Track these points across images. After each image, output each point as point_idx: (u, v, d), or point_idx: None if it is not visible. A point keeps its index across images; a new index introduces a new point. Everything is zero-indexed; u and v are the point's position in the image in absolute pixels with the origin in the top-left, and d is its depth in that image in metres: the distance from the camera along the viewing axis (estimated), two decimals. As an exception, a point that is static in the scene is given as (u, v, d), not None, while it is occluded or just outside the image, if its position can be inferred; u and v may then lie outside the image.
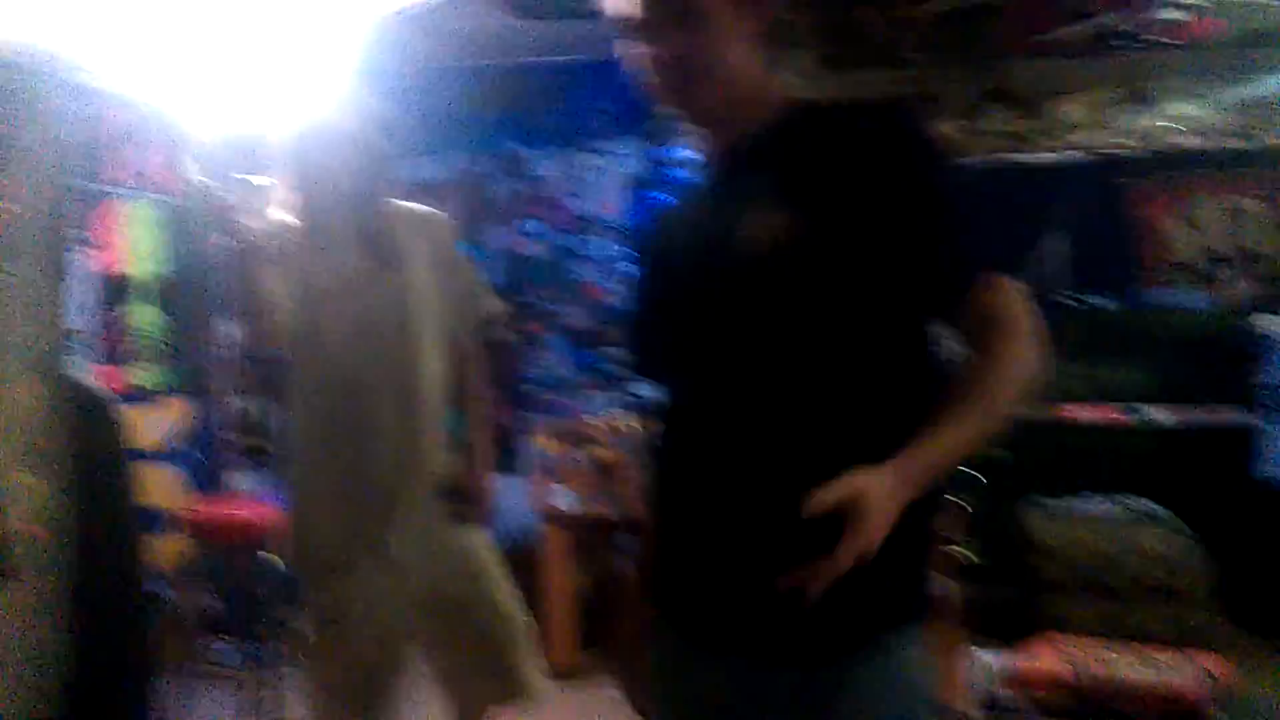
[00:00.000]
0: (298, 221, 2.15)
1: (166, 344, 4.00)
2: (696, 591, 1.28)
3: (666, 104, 1.29)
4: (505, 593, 2.29)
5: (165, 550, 3.71)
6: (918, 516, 1.17)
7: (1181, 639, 2.90)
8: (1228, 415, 4.29)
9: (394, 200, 2.27)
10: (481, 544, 2.30)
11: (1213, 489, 4.07)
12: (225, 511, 2.96)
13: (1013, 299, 1.19)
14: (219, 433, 4.22)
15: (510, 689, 2.25)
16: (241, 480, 4.36)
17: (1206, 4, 3.78)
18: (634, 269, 1.48)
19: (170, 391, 4.02)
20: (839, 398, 1.19)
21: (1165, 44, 4.94)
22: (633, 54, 1.28)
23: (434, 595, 2.17)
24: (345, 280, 2.13)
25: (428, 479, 2.19)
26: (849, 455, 1.12)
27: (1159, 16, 4.12)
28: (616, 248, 5.10)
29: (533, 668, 2.29)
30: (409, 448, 2.15)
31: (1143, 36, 4.79)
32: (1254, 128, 5.39)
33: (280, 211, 2.17)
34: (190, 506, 3.03)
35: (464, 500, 2.26)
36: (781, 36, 4.82)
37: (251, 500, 3.16)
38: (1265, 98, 5.29)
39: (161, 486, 3.91)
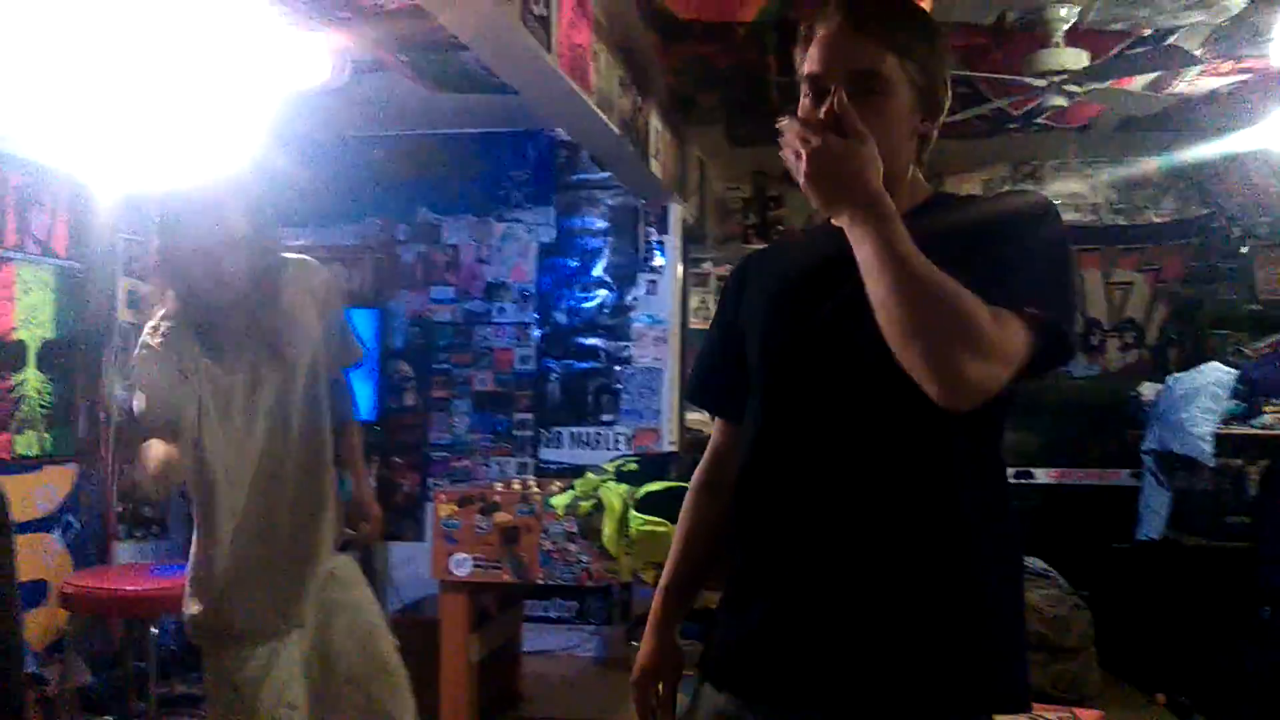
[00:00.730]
0: (181, 311, 2.15)
1: (53, 410, 3.89)
2: (768, 646, 1.30)
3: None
4: (389, 646, 2.35)
5: (42, 624, 3.56)
6: (1005, 599, 1.27)
7: (1064, 692, 2.99)
8: (1111, 478, 4.47)
9: (278, 256, 2.28)
10: (367, 599, 2.36)
11: (1095, 548, 4.22)
12: (107, 584, 2.86)
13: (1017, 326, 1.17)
14: (104, 502, 4.09)
15: None
16: (128, 550, 4.23)
17: (1083, 93, 4.00)
18: (726, 300, 1.53)
19: (55, 459, 3.89)
20: (931, 469, 1.24)
21: (1052, 127, 5.21)
22: (800, 117, 1.27)
23: (326, 651, 2.24)
24: (243, 369, 2.18)
25: (331, 541, 2.28)
26: (934, 522, 1.23)
27: (1046, 103, 4.34)
28: (526, 314, 5.14)
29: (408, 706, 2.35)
30: (318, 513, 2.24)
31: (1032, 120, 5.04)
32: (1135, 205, 5.70)
33: (166, 312, 2.16)
34: (71, 579, 2.92)
35: (361, 520, 2.39)
36: (693, 114, 4.99)
37: (136, 572, 3.06)
38: (1142, 177, 5.61)
39: (42, 557, 3.77)
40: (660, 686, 1.51)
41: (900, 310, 1.14)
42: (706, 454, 1.55)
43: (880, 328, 1.16)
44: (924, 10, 1.39)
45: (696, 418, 5.78)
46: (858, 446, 1.26)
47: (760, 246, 6.02)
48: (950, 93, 1.36)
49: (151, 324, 2.17)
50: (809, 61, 1.31)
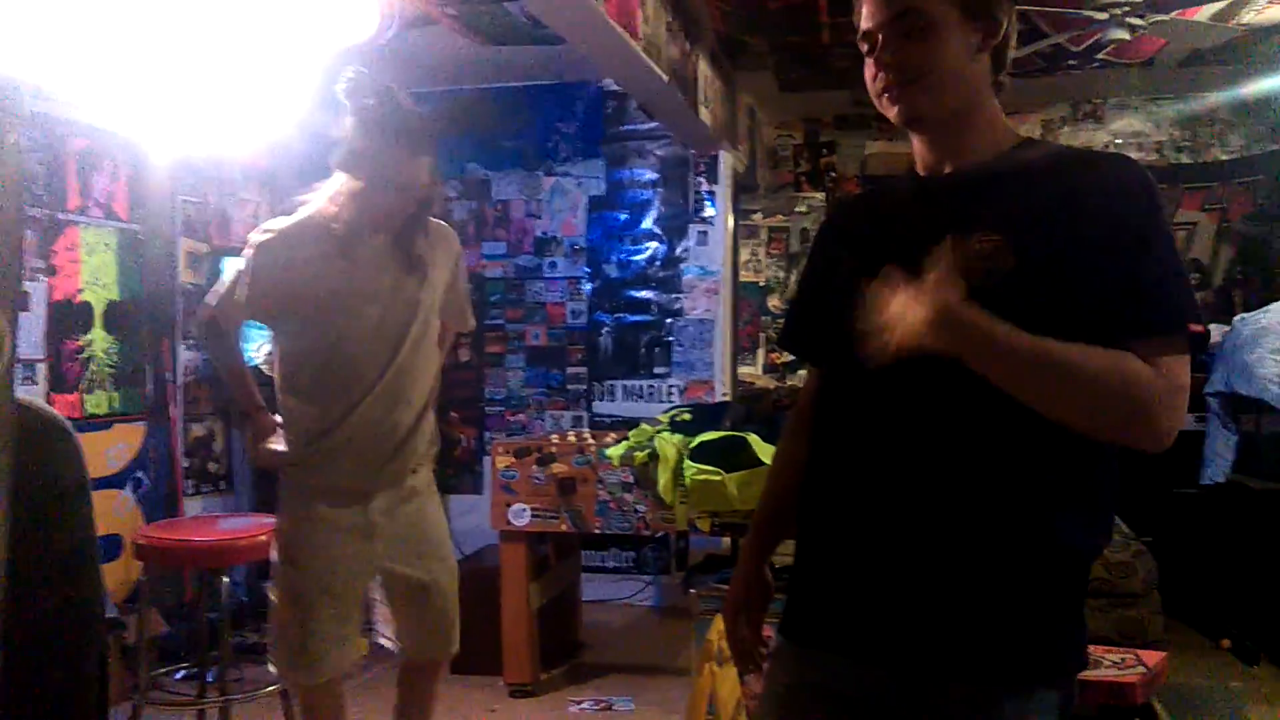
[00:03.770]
0: (349, 215, 2.30)
1: (120, 370, 3.99)
2: (838, 601, 1.33)
3: (897, 112, 1.32)
4: (451, 565, 2.51)
5: (118, 577, 3.69)
6: (1070, 570, 1.27)
7: (1126, 636, 2.97)
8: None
9: (440, 194, 2.56)
10: (440, 522, 2.52)
11: (1159, 494, 4.15)
12: (178, 535, 2.94)
13: (1161, 358, 1.17)
14: (172, 458, 4.21)
15: (444, 647, 2.50)
16: (196, 505, 4.35)
17: (1146, 25, 3.87)
18: (817, 246, 1.57)
19: (124, 418, 4.00)
20: (1018, 426, 1.22)
21: (1113, 63, 5.05)
22: (871, 71, 1.33)
23: (396, 552, 2.38)
24: (379, 279, 2.32)
25: (422, 455, 2.44)
26: (1018, 481, 1.23)
27: (1106, 37, 4.21)
28: (577, 268, 5.15)
29: (456, 632, 2.53)
30: (416, 430, 2.39)
31: (1093, 57, 4.90)
32: (1199, 142, 5.52)
33: (333, 202, 2.32)
34: (143, 531, 3.02)
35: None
36: (743, 59, 4.91)
37: (205, 523, 3.16)
38: (1208, 113, 5.43)
39: (115, 512, 3.90)
40: (749, 617, 1.54)
41: (1057, 406, 1.18)
42: (800, 397, 1.57)
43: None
44: None
45: (748, 370, 5.76)
46: (935, 410, 1.26)
47: (812, 194, 5.97)
48: (1010, 18, 1.33)
49: (287, 219, 2.34)
50: (861, 18, 1.33)
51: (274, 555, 2.38)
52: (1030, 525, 1.24)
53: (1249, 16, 4.34)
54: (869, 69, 1.33)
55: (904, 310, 1.17)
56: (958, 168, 1.33)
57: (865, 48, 1.34)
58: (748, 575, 1.55)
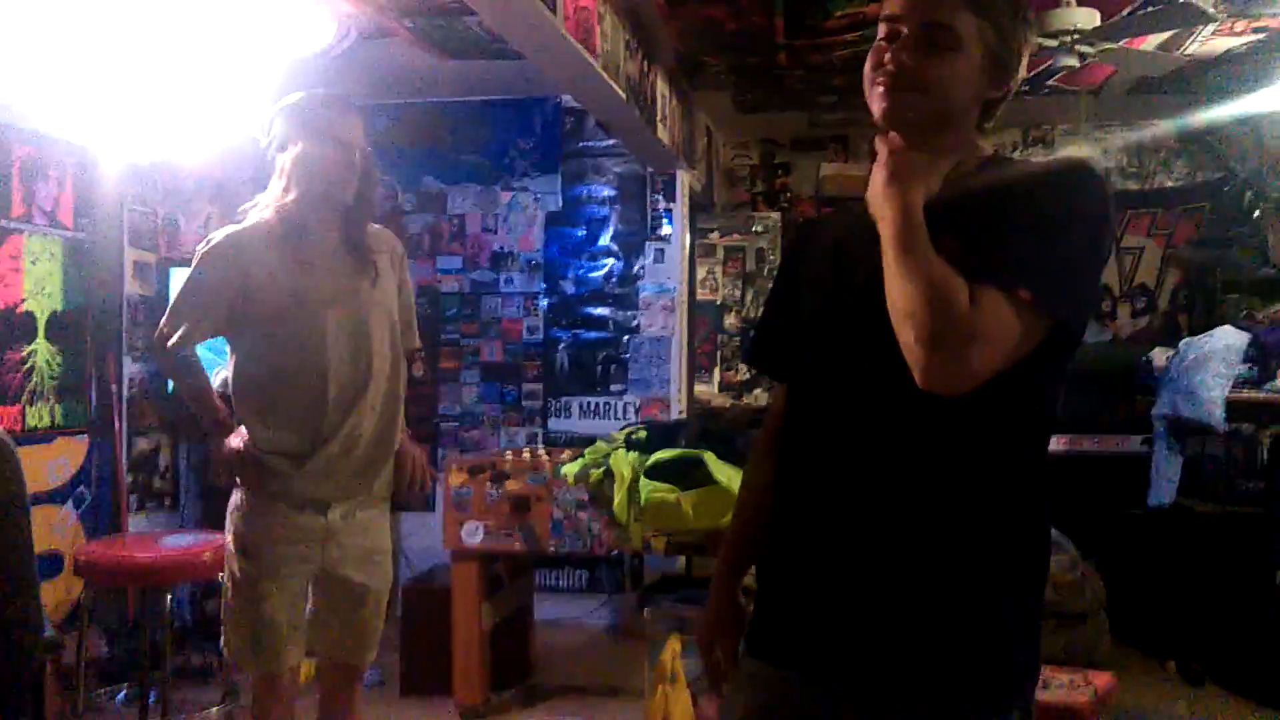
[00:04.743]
0: (292, 220, 2.29)
1: (63, 382, 3.89)
2: (807, 618, 1.33)
3: (883, 109, 1.31)
4: (387, 572, 2.48)
5: (58, 595, 3.59)
6: (1026, 591, 1.28)
7: (1074, 657, 3.00)
8: (1122, 444, 4.45)
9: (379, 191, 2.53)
10: (386, 528, 2.50)
11: (1106, 515, 4.22)
12: (121, 553, 2.87)
13: (989, 305, 1.16)
14: (117, 472, 4.11)
15: (365, 652, 2.46)
16: (140, 522, 4.25)
17: (1095, 54, 3.95)
18: (783, 265, 1.58)
19: (67, 431, 3.90)
20: (972, 449, 1.24)
21: (1063, 90, 5.15)
22: (876, 57, 1.32)
23: (345, 556, 2.37)
24: (335, 281, 2.31)
25: (383, 462, 2.43)
26: (973, 501, 1.24)
27: (1056, 64, 4.28)
28: (533, 283, 5.12)
29: (377, 640, 2.49)
30: (382, 446, 2.40)
31: (1044, 83, 4.99)
32: (1145, 169, 5.65)
33: (275, 208, 2.31)
34: (85, 549, 2.94)
35: (410, 474, 2.52)
36: (700, 80, 4.94)
37: (148, 541, 3.08)
38: (1154, 141, 5.55)
39: (56, 529, 3.79)
40: (723, 642, 1.53)
41: (891, 292, 1.19)
42: (768, 416, 1.57)
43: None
44: None
45: (705, 389, 5.77)
46: (893, 432, 1.26)
47: (768, 214, 6.00)
48: (1023, 63, 1.35)
49: (231, 227, 2.32)
50: (888, 2, 1.33)
51: (226, 544, 2.36)
52: (985, 545, 1.25)
53: (1194, 47, 4.45)
54: (876, 54, 1.32)
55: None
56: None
57: (884, 31, 1.32)
58: (721, 599, 1.55)
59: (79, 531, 3.90)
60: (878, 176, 1.25)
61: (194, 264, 2.33)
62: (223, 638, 2.37)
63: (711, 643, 1.54)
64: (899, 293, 1.17)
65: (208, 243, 2.34)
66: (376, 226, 2.49)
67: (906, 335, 1.16)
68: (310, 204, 2.30)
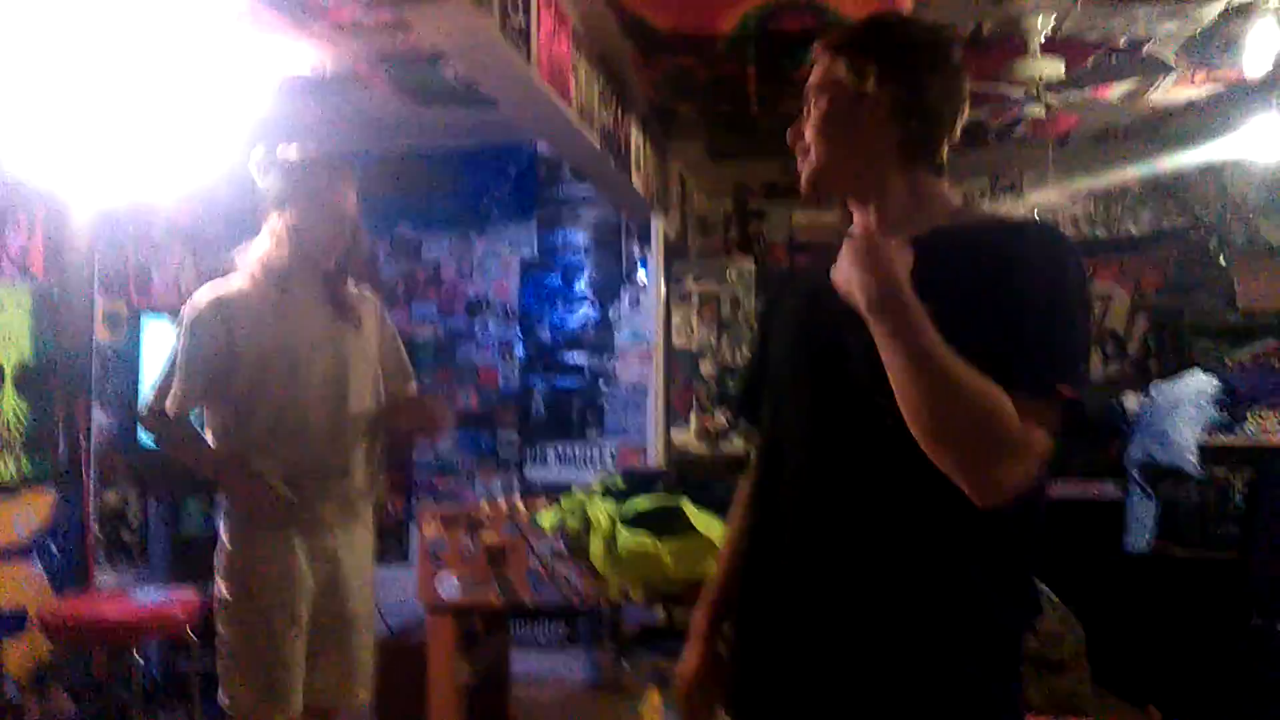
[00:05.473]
0: (283, 254, 2.35)
1: (30, 434, 3.82)
2: (781, 679, 1.32)
3: (803, 183, 1.38)
4: (370, 609, 2.54)
5: (22, 653, 3.49)
6: (1004, 637, 1.26)
7: (1056, 706, 2.97)
8: (1098, 490, 4.47)
9: (368, 249, 2.60)
10: (369, 565, 2.54)
11: (1084, 560, 4.22)
12: (89, 609, 2.80)
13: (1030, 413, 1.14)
14: (86, 526, 4.02)
15: (347, 694, 2.44)
16: (109, 577, 4.16)
17: (1060, 104, 4.03)
18: (761, 318, 1.62)
19: (33, 484, 3.82)
20: (948, 504, 1.19)
21: (1030, 139, 5.24)
22: (799, 144, 1.39)
23: (330, 586, 2.39)
24: (318, 331, 2.37)
25: (362, 489, 2.47)
26: (949, 557, 1.22)
27: (1023, 113, 4.36)
28: (508, 331, 5.11)
29: (367, 675, 2.49)
30: (348, 457, 2.42)
31: (1010, 132, 5.07)
32: (1112, 217, 5.73)
33: (263, 265, 2.36)
34: (50, 605, 2.86)
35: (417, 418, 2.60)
36: (674, 127, 4.98)
37: (117, 598, 3.01)
38: (1121, 189, 5.65)
39: (20, 585, 3.70)
40: (704, 696, 1.51)
41: (923, 413, 1.14)
42: (751, 464, 1.56)
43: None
44: (925, 29, 1.41)
45: (682, 436, 5.75)
46: (854, 483, 1.26)
47: (743, 261, 6.03)
48: (958, 108, 1.37)
49: (221, 283, 2.36)
50: None
51: (221, 591, 2.32)
52: (963, 601, 1.24)
53: (1157, 96, 4.55)
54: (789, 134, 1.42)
55: (860, 264, 1.20)
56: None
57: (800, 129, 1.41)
58: (701, 652, 1.53)
59: (45, 587, 3.80)
60: (854, 277, 1.20)
61: (183, 331, 2.34)
62: (224, 693, 2.30)
63: (690, 695, 1.52)
64: (934, 411, 1.14)
65: (194, 309, 2.36)
66: (361, 291, 2.56)
67: (954, 456, 1.14)
68: (297, 265, 2.36)
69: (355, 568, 2.44)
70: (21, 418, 3.79)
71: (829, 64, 1.36)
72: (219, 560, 2.36)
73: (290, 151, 2.40)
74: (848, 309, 1.24)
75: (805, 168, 1.38)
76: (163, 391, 2.34)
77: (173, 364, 2.34)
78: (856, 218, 1.41)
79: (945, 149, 1.38)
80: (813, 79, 1.38)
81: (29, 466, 3.81)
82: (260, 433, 2.34)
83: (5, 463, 3.70)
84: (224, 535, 2.36)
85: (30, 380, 3.83)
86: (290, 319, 2.34)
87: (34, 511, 3.82)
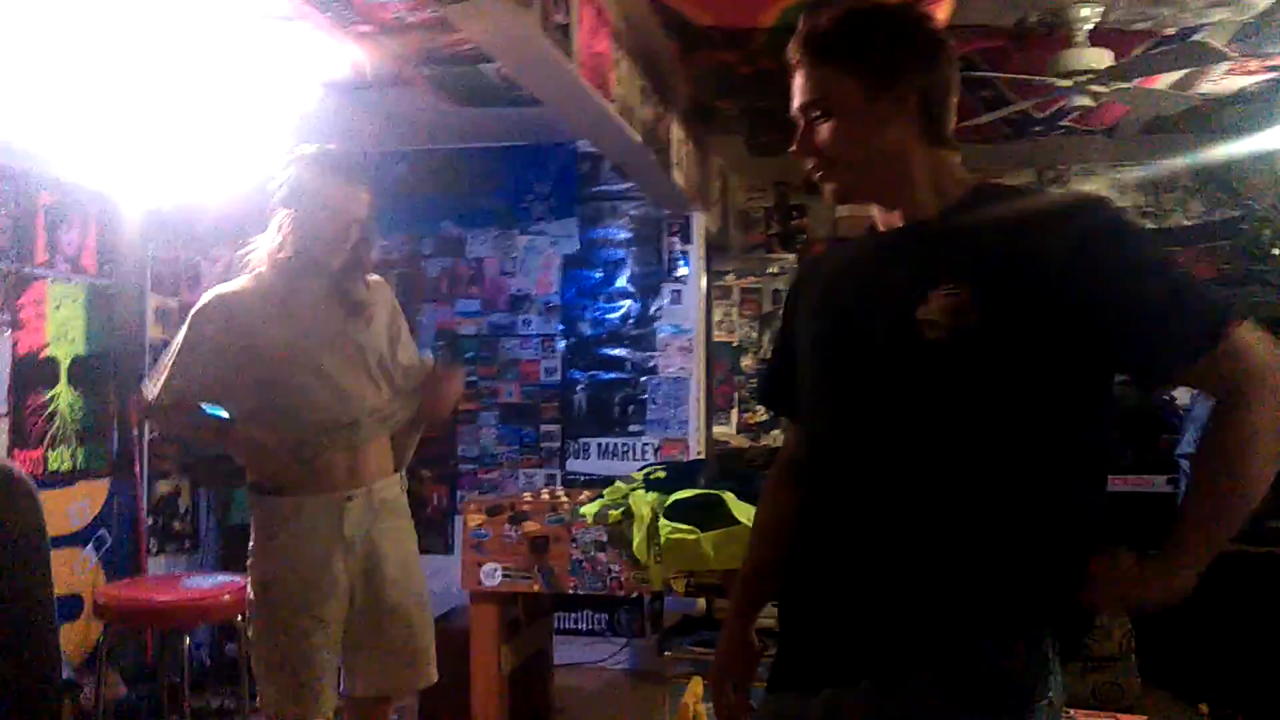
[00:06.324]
0: (284, 276, 2.35)
1: (85, 426, 3.92)
2: (829, 639, 1.32)
3: (826, 193, 1.36)
4: (423, 591, 2.52)
5: (77, 638, 3.58)
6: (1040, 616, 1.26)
7: (1104, 701, 2.94)
8: (1146, 484, 4.41)
9: (374, 248, 2.53)
10: (409, 529, 2.53)
11: (1133, 554, 4.16)
12: (141, 595, 2.87)
13: (1240, 359, 1.17)
14: (138, 515, 4.12)
15: (414, 679, 2.45)
16: (160, 564, 4.25)
17: (1109, 93, 3.97)
18: (785, 304, 1.57)
19: (88, 474, 3.92)
20: (995, 474, 1.22)
21: (1077, 130, 5.17)
22: (794, 143, 1.36)
23: (372, 574, 2.37)
24: (325, 327, 2.35)
25: (397, 501, 2.47)
26: (994, 532, 1.23)
27: (1070, 104, 4.30)
28: (551, 325, 5.15)
29: (432, 659, 2.50)
30: (383, 472, 2.43)
31: (1057, 124, 5.01)
32: (1163, 208, 5.64)
33: (270, 262, 2.37)
34: (104, 590, 2.95)
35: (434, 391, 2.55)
36: (714, 123, 4.98)
37: (168, 583, 3.08)
38: (1170, 180, 5.55)
39: (76, 571, 3.80)
40: (736, 683, 1.51)
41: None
42: (781, 452, 1.57)
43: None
44: (898, 12, 1.35)
45: (723, 429, 5.75)
46: (910, 459, 1.26)
47: (783, 256, 6.01)
48: (956, 75, 1.34)
49: (229, 284, 2.37)
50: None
51: (250, 593, 2.34)
52: (1010, 573, 1.23)
53: (1208, 86, 4.47)
54: (792, 150, 1.37)
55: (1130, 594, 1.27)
56: (911, 221, 1.33)
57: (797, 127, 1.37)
58: (734, 638, 1.52)
59: (99, 573, 3.90)
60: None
61: (186, 328, 2.34)
62: (259, 694, 2.32)
63: (723, 681, 1.52)
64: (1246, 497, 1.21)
65: (199, 305, 2.37)
66: (373, 276, 2.53)
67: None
68: (303, 264, 2.35)
69: (394, 560, 2.42)
70: (76, 411, 3.90)
71: (820, 74, 1.31)
72: (249, 562, 2.37)
73: (304, 150, 2.39)
74: (880, 288, 1.25)
75: (827, 184, 1.35)
76: (158, 387, 2.33)
77: (169, 357, 2.34)
78: (879, 212, 1.38)
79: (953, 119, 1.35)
80: (805, 94, 1.32)
81: (84, 458, 3.91)
82: (267, 430, 2.32)
83: (61, 454, 3.80)
84: (252, 539, 2.37)
85: (85, 374, 3.93)
86: (294, 316, 2.33)
87: (89, 501, 3.93)
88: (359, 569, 2.35)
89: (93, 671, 3.19)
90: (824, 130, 1.31)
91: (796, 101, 1.34)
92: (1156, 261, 1.21)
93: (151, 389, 2.35)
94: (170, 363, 2.33)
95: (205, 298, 2.37)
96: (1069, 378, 1.20)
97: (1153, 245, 1.24)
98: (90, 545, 3.90)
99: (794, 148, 1.35)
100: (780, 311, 1.65)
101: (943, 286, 1.21)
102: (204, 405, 2.39)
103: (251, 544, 2.36)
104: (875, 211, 1.39)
